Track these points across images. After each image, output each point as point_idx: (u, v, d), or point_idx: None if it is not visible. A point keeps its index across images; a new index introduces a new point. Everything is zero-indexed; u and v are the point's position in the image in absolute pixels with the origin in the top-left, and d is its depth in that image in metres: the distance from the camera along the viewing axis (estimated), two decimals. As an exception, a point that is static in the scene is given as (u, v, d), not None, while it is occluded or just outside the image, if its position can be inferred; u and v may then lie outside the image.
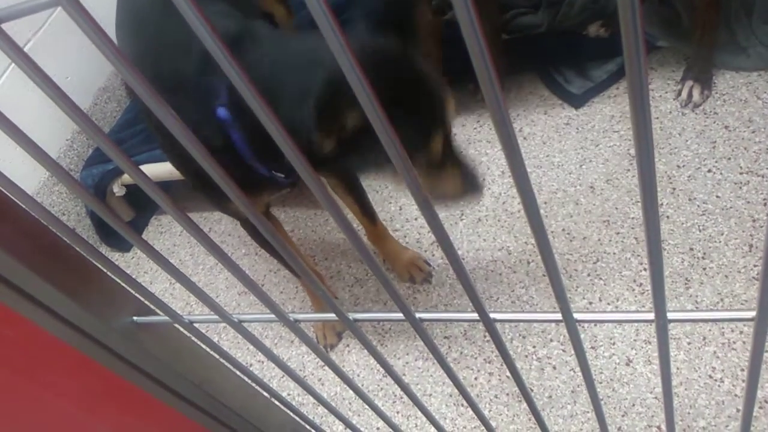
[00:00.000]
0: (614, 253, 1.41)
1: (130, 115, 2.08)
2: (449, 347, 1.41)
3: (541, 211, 1.52)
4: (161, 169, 1.81)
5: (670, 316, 0.36)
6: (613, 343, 1.27)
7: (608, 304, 1.33)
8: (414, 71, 0.91)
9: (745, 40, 1.59)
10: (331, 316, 0.43)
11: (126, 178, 1.91)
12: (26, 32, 1.86)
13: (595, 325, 1.31)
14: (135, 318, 0.57)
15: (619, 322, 0.37)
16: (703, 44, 1.54)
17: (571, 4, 1.85)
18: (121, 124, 2.09)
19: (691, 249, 1.35)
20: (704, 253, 1.33)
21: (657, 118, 1.60)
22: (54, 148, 1.99)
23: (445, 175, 1.02)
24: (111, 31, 2.07)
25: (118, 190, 1.93)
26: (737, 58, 1.59)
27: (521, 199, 0.30)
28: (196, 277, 1.85)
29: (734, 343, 1.20)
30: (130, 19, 1.20)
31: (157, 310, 0.54)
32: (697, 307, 1.26)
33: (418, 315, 0.41)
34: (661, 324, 0.36)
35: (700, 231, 1.37)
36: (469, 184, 1.06)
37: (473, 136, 1.78)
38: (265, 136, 0.30)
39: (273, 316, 0.45)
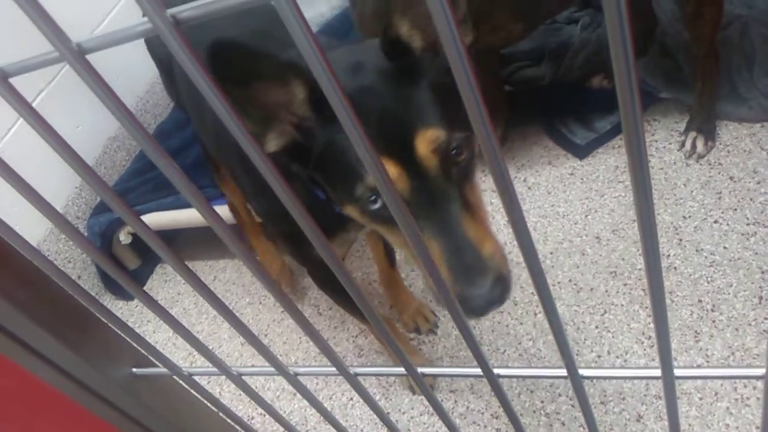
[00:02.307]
0: (622, 305, 1.39)
1: (140, 164, 2.11)
2: (455, 401, 1.38)
3: (548, 261, 1.52)
4: (168, 218, 1.82)
5: (677, 372, 0.35)
6: (623, 398, 1.24)
7: (617, 357, 1.31)
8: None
9: (746, 92, 1.61)
10: (332, 369, 0.42)
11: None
12: (39, 83, 1.91)
13: (604, 380, 1.28)
14: (134, 369, 0.56)
15: (626, 378, 0.36)
16: (704, 95, 1.56)
17: (573, 57, 1.89)
18: (130, 172, 2.11)
19: (700, 301, 1.33)
20: (713, 306, 1.31)
21: (662, 168, 1.61)
22: (63, 195, 2.01)
23: (429, 245, 0.70)
24: (118, 84, 2.12)
25: (124, 238, 1.94)
26: (739, 109, 1.61)
27: (523, 255, 0.29)
28: (199, 326, 1.83)
29: (748, 399, 1.17)
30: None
31: (157, 362, 0.53)
32: (707, 361, 1.24)
33: (420, 370, 0.40)
34: (668, 381, 0.35)
35: (708, 282, 1.35)
36: (465, 277, 0.67)
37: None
38: None
39: (273, 369, 0.44)
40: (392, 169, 0.68)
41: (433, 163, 0.69)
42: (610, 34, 0.23)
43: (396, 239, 0.78)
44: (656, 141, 1.67)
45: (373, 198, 0.72)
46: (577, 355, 1.33)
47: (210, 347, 1.80)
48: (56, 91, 1.94)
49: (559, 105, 1.84)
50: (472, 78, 0.25)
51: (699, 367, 1.24)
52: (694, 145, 1.59)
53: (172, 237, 2.03)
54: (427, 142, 0.68)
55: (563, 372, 0.37)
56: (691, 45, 1.50)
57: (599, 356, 1.33)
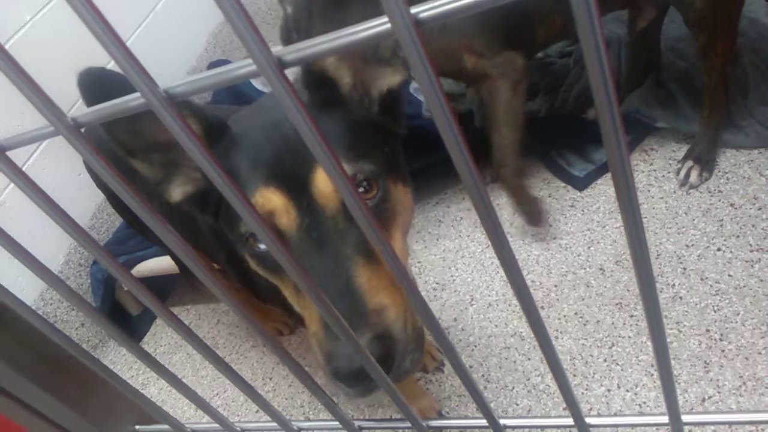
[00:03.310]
0: (629, 337, 1.37)
1: (141, 209, 2.11)
2: (464, 440, 1.35)
3: (552, 295, 1.51)
4: (171, 262, 1.82)
5: (684, 419, 0.35)
6: (635, 433, 1.22)
7: (627, 391, 1.29)
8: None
9: (742, 120, 1.62)
10: (336, 424, 0.42)
11: (136, 270, 1.92)
12: (43, 133, 1.93)
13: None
14: (137, 427, 0.55)
15: (633, 425, 0.36)
16: (709, 125, 1.56)
17: (568, 90, 1.91)
18: (131, 218, 2.12)
19: (708, 330, 1.32)
20: (721, 335, 1.30)
21: (662, 198, 1.61)
22: (66, 242, 2.01)
23: (307, 309, 0.65)
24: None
25: (127, 283, 1.93)
26: (736, 136, 1.62)
27: (520, 304, 0.29)
28: (203, 371, 1.81)
29: (764, 429, 1.15)
30: None
31: (158, 419, 0.52)
32: (719, 392, 1.22)
33: (425, 423, 0.39)
34: (677, 428, 0.34)
35: (715, 311, 1.34)
36: (338, 352, 0.56)
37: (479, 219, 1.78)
38: None
39: (275, 424, 0.44)
40: (277, 201, 0.62)
41: (332, 200, 0.62)
42: (591, 78, 0.23)
43: (286, 291, 0.70)
44: (655, 170, 1.68)
45: (255, 235, 0.65)
46: (586, 390, 1.31)
47: (215, 392, 1.77)
48: (57, 140, 1.96)
49: (556, 138, 1.85)
50: (455, 127, 0.25)
51: (710, 398, 1.22)
52: (687, 175, 1.59)
53: (175, 280, 2.03)
54: (327, 176, 0.62)
55: (570, 421, 0.37)
56: (702, 74, 1.49)
57: (609, 390, 1.31)
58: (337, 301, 0.57)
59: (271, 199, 0.62)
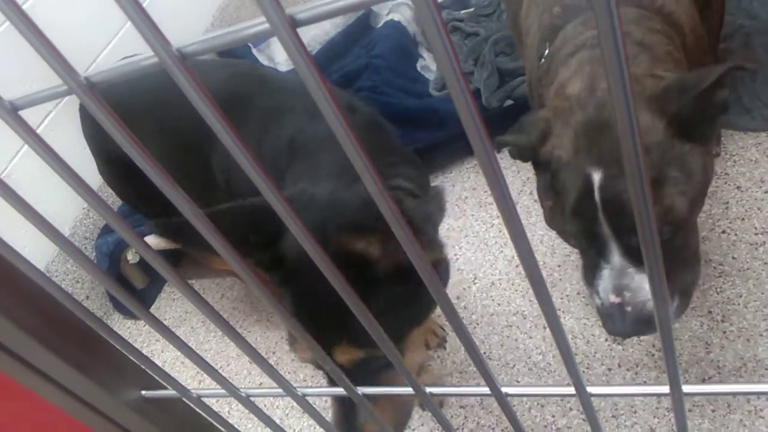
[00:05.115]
0: (631, 317, 1.38)
1: (147, 184, 2.12)
2: (465, 417, 1.37)
3: (555, 275, 1.51)
4: (175, 237, 1.82)
5: (685, 389, 0.35)
6: (635, 412, 1.23)
7: (628, 370, 1.29)
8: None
9: (749, 102, 1.60)
10: (340, 390, 0.42)
11: (140, 245, 1.92)
12: (47, 105, 1.93)
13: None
14: (143, 392, 0.56)
15: (634, 395, 0.36)
16: None
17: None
18: (137, 192, 2.12)
19: (710, 312, 1.32)
20: (723, 316, 1.31)
21: (667, 179, 1.60)
22: (71, 215, 2.03)
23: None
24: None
25: (132, 257, 1.94)
26: (742, 118, 1.61)
27: (528, 278, 0.29)
28: (207, 344, 1.83)
29: (761, 410, 1.16)
30: None
31: (166, 384, 0.53)
32: (719, 373, 1.23)
33: (428, 390, 0.40)
34: (677, 398, 0.35)
35: (717, 293, 1.35)
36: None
37: (484, 198, 1.79)
38: None
39: (281, 390, 0.44)
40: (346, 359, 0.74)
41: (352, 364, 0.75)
42: (606, 66, 0.23)
43: None
44: (661, 152, 1.67)
45: None
46: (587, 368, 1.33)
47: (218, 366, 1.79)
48: (64, 113, 1.96)
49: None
50: (468, 93, 0.25)
51: (710, 378, 1.23)
52: None
53: (181, 254, 2.04)
54: (341, 354, 0.74)
55: (571, 390, 0.37)
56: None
57: (609, 369, 1.32)
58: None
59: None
